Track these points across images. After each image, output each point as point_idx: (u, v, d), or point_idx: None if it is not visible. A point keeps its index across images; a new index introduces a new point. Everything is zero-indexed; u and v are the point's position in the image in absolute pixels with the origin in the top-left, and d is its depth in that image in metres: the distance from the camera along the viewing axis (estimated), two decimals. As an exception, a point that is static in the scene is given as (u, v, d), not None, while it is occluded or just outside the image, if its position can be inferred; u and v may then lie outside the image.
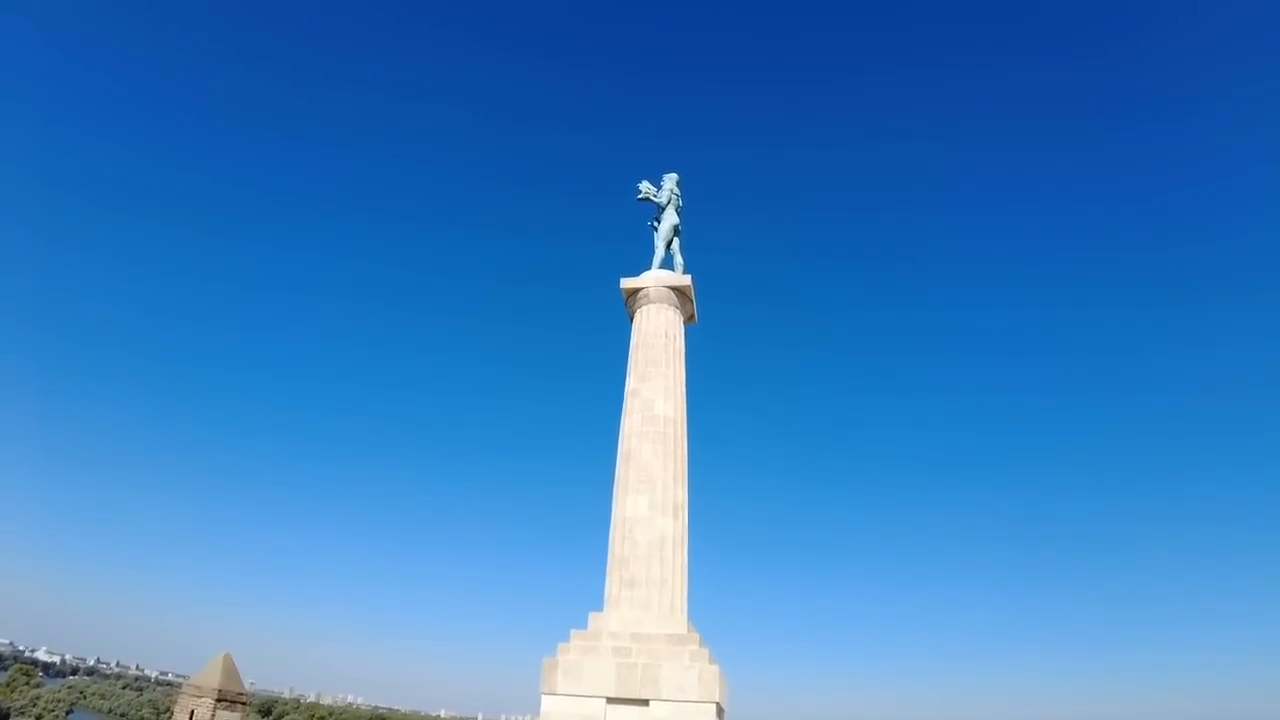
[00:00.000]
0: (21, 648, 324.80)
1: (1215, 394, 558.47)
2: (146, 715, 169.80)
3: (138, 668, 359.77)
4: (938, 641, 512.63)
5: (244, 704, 34.28)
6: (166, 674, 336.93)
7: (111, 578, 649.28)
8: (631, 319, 29.59)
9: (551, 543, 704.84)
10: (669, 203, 31.27)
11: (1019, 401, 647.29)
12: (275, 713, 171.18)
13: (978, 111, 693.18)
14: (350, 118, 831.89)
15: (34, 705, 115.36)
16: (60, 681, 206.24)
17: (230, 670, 33.94)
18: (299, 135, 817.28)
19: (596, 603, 25.06)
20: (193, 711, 32.25)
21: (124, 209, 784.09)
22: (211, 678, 33.06)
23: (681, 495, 25.86)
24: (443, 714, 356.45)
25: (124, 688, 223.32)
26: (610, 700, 22.06)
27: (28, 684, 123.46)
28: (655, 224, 31.16)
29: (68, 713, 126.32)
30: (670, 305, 28.94)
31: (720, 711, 22.57)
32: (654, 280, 29.15)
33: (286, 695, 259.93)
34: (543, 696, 22.50)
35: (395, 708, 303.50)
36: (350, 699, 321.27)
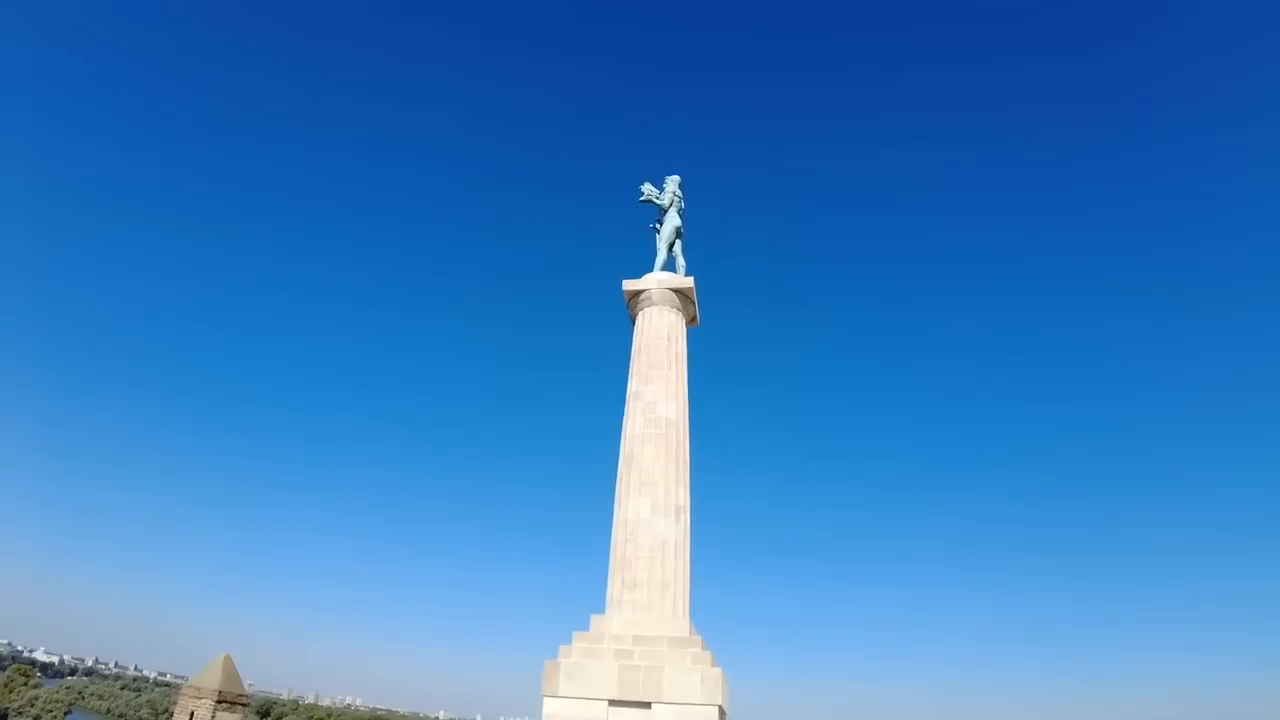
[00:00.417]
0: (19, 648, 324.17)
1: (1216, 397, 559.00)
2: (145, 716, 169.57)
3: (136, 668, 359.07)
4: (938, 643, 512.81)
5: (244, 705, 34.26)
6: (165, 675, 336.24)
7: (110, 578, 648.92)
8: (634, 321, 29.58)
9: (551, 544, 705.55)
10: (671, 205, 31.32)
11: (1019, 403, 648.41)
12: (274, 714, 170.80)
13: (979, 114, 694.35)
14: (351, 119, 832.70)
15: (32, 706, 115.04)
16: (58, 682, 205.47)
17: (230, 671, 33.92)
18: (300, 136, 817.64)
19: (598, 605, 25.04)
20: (192, 713, 32.21)
21: (123, 209, 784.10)
22: (211, 679, 33.04)
23: (683, 497, 25.84)
24: (441, 715, 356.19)
25: (122, 688, 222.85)
26: (612, 703, 22.01)
27: (25, 684, 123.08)
28: (657, 226, 31.19)
29: (66, 713, 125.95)
30: (672, 307, 28.93)
31: (722, 714, 22.52)
32: (656, 282, 29.16)
33: (285, 696, 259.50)
34: (544, 699, 22.44)
35: (394, 709, 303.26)
36: (349, 700, 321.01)
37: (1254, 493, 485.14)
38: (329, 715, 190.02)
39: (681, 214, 31.57)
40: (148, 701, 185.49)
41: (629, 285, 29.68)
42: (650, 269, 30.08)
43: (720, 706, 21.88)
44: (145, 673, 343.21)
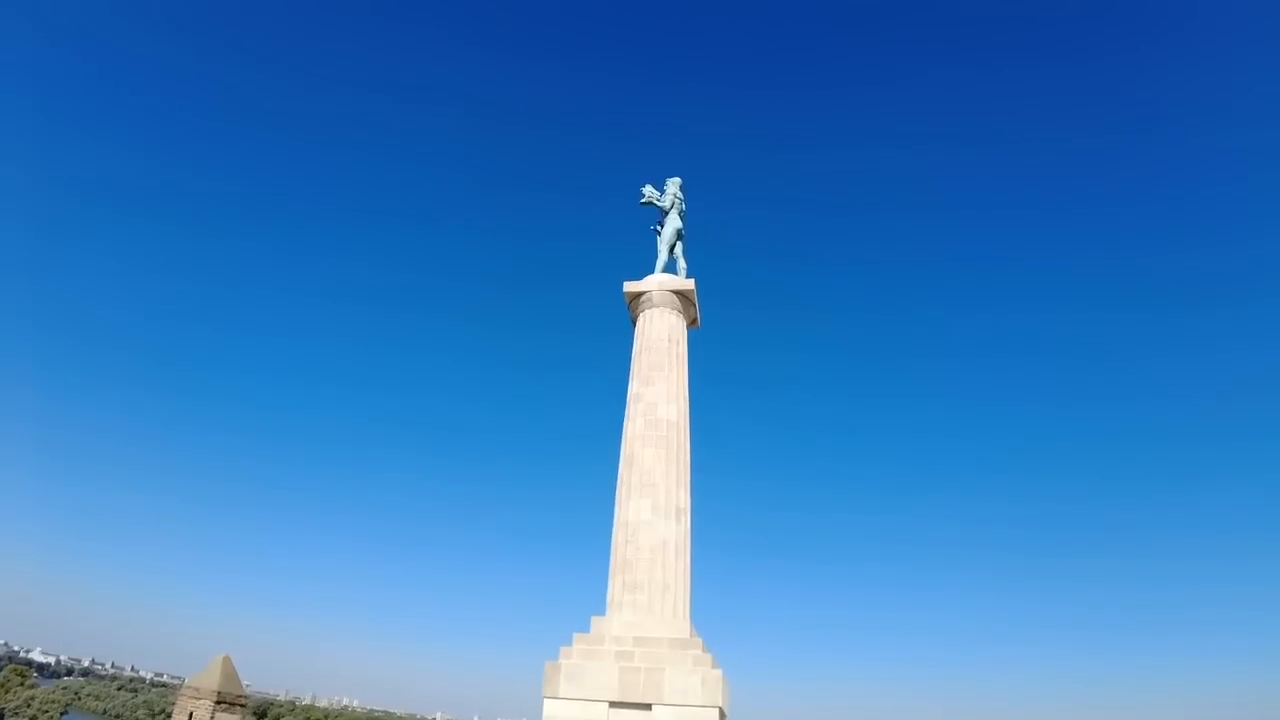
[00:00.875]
0: (16, 648, 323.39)
1: (1218, 400, 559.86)
2: (141, 716, 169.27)
3: (133, 669, 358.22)
4: (939, 645, 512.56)
5: (243, 706, 34.21)
6: (162, 675, 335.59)
7: (107, 578, 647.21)
8: (634, 322, 29.61)
9: (551, 546, 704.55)
10: (672, 207, 31.39)
11: (1020, 406, 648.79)
12: (270, 715, 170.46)
13: (979, 116, 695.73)
14: (351, 119, 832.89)
15: (28, 706, 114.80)
16: (55, 682, 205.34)
17: (229, 672, 33.88)
18: (300, 136, 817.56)
19: (598, 606, 25.06)
20: (191, 713, 32.16)
21: (123, 209, 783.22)
22: (210, 679, 33.00)
23: (684, 499, 25.86)
24: (439, 717, 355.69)
25: (119, 689, 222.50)
26: (613, 705, 22.02)
27: (22, 685, 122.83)
28: (658, 228, 31.26)
29: (62, 714, 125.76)
30: (673, 309, 28.98)
31: (723, 716, 22.53)
32: (657, 284, 29.21)
33: (282, 697, 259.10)
34: (545, 700, 22.45)
35: (391, 710, 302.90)
36: (346, 701, 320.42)
37: (1256, 495, 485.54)
38: (326, 716, 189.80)
39: (682, 216, 31.63)
40: (144, 702, 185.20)
41: (630, 287, 29.72)
42: (651, 271, 30.13)
43: (721, 708, 21.89)
44: (142, 673, 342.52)
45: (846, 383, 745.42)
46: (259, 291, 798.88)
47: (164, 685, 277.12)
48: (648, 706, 21.78)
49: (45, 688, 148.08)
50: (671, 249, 30.86)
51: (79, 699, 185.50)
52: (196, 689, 32.61)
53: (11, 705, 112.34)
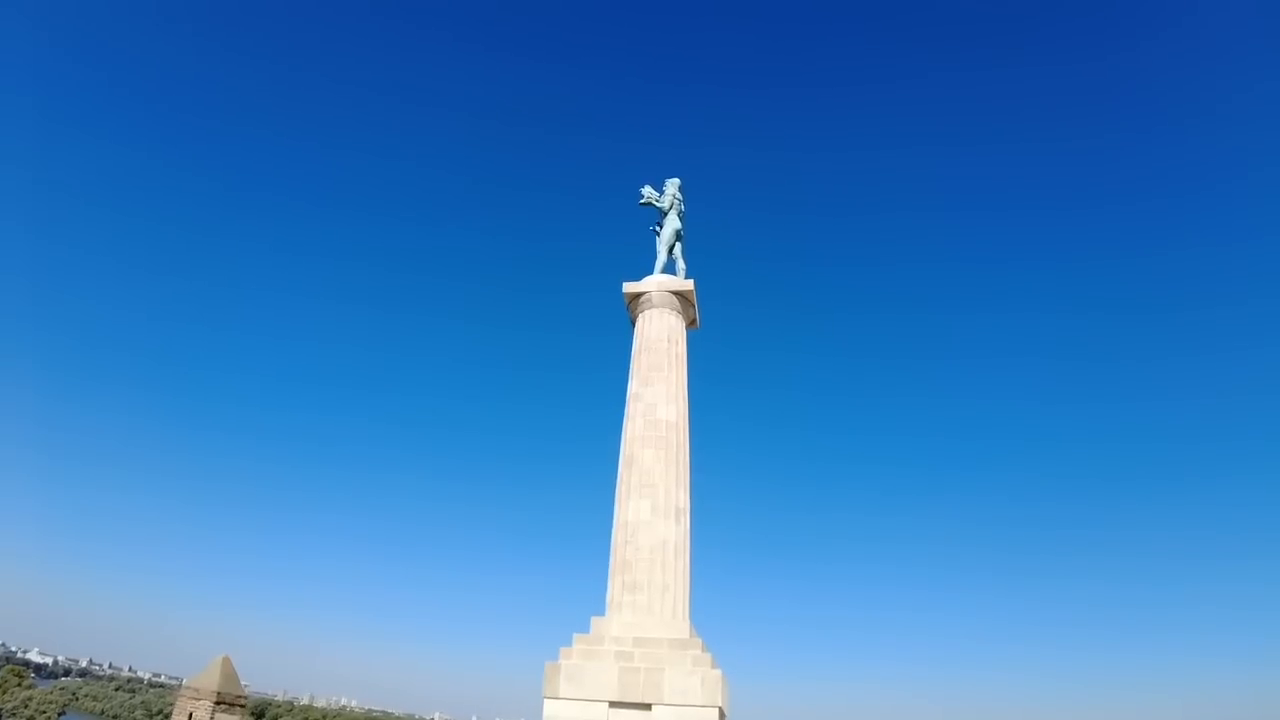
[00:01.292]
0: (13, 649, 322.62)
1: (1218, 400, 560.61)
2: (139, 717, 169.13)
3: (130, 669, 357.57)
4: (939, 645, 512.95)
5: (242, 706, 34.22)
6: (159, 675, 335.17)
7: (104, 579, 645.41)
8: (633, 323, 29.67)
9: (550, 547, 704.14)
10: (671, 207, 31.44)
11: (1020, 406, 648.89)
12: (268, 715, 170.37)
13: (979, 116, 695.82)
14: (351, 119, 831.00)
15: (25, 707, 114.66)
16: (52, 683, 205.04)
17: (229, 673, 33.89)
18: (300, 136, 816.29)
19: (597, 606, 25.11)
20: (191, 713, 32.18)
21: (123, 209, 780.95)
22: (210, 680, 33.01)
23: (683, 499, 25.92)
24: (437, 717, 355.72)
25: (117, 689, 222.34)
26: (613, 705, 22.09)
27: (19, 685, 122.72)
28: (657, 228, 31.31)
29: (60, 714, 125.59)
30: (672, 309, 29.04)
31: (723, 715, 22.60)
32: (656, 285, 29.26)
33: (280, 698, 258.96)
34: (545, 700, 22.51)
35: (389, 710, 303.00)
36: (344, 701, 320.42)
37: (1256, 495, 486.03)
38: (324, 716, 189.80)
39: (681, 216, 31.69)
40: (142, 703, 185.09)
41: (629, 287, 29.78)
42: (650, 271, 30.19)
43: (720, 708, 21.96)
44: (140, 674, 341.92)
45: (846, 383, 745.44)
46: (259, 291, 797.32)
47: (162, 686, 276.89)
48: (648, 707, 21.84)
49: (43, 688, 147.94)
50: (670, 249, 30.92)
51: (76, 699, 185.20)
52: (196, 689, 32.63)
53: (9, 706, 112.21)
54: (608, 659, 22.63)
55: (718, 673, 22.21)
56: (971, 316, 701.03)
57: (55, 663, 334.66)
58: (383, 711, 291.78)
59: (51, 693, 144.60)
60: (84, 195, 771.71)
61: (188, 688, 33.44)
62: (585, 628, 24.15)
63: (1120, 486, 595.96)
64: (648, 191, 31.65)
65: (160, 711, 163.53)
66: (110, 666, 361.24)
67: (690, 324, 30.26)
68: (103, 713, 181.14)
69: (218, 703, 32.05)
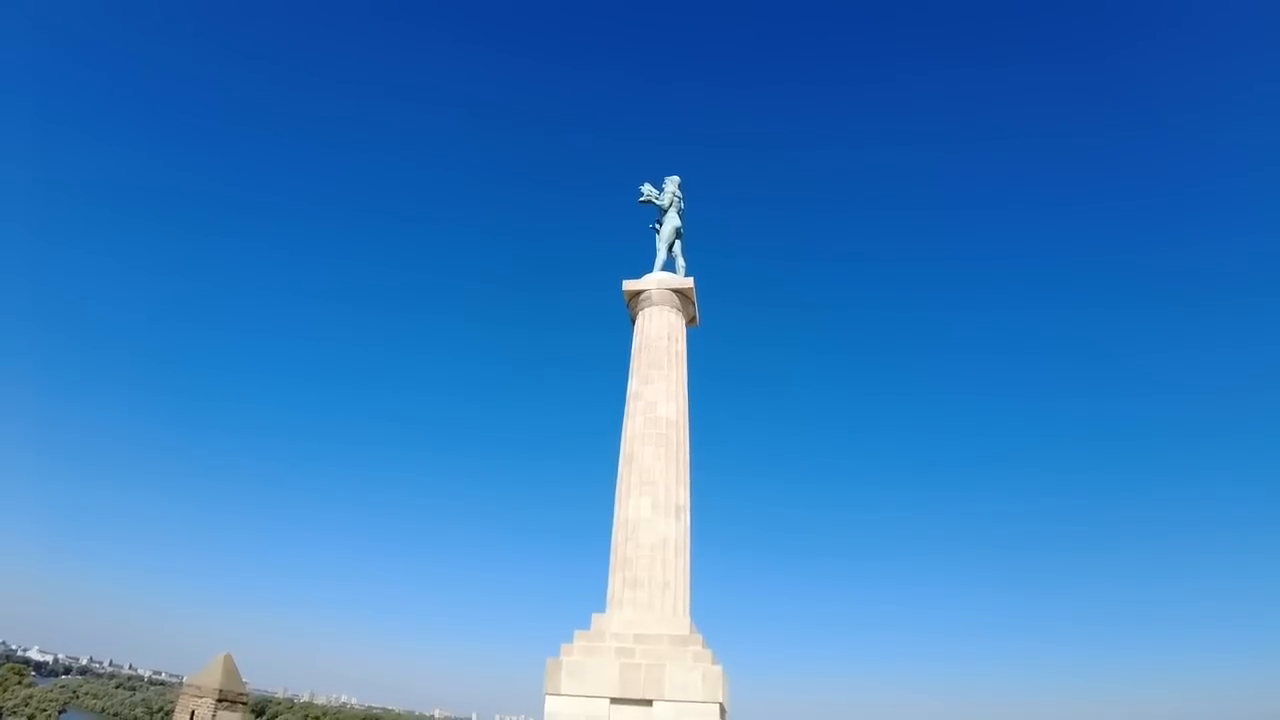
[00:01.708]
0: (14, 647, 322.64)
1: (1216, 396, 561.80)
2: (140, 715, 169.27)
3: (131, 667, 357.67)
4: (938, 641, 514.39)
5: (244, 704, 34.31)
6: (159, 673, 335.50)
7: (104, 577, 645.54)
8: (633, 321, 29.72)
9: (551, 544, 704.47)
10: (671, 205, 31.47)
11: (1018, 402, 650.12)
12: (269, 713, 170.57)
13: (978, 114, 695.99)
14: (351, 119, 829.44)
15: (26, 705, 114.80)
16: (52, 681, 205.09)
17: (231, 670, 33.98)
18: (300, 136, 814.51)
19: (599, 603, 25.22)
20: (193, 711, 32.28)
21: (123, 209, 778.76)
22: (212, 677, 33.10)
23: (684, 497, 26.01)
24: (437, 714, 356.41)
25: (117, 687, 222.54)
26: (614, 701, 22.20)
27: (19, 683, 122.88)
28: (657, 226, 31.34)
29: (60, 712, 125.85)
30: (672, 307, 29.09)
31: (723, 712, 22.73)
32: (656, 283, 29.31)
33: (280, 695, 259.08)
34: (547, 697, 22.62)
35: (389, 707, 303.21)
36: (344, 699, 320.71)
37: (1254, 491, 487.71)
38: (324, 714, 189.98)
39: (681, 214, 31.72)
40: (142, 700, 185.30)
41: (629, 285, 29.82)
42: (650, 269, 30.23)
43: (721, 704, 22.08)
44: (140, 672, 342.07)
45: (845, 380, 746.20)
46: (259, 291, 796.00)
47: (162, 683, 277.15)
48: (649, 702, 21.96)
49: (43, 686, 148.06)
50: (670, 247, 30.95)
51: (77, 697, 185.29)
52: (198, 687, 32.70)
53: (9, 704, 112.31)
54: (609, 655, 22.74)
55: (718, 669, 22.33)
56: (970, 313, 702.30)
57: (55, 661, 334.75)
58: (383, 708, 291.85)
59: (52, 691, 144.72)
60: (84, 195, 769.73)
61: (190, 685, 33.50)
62: (586, 624, 24.27)
63: (1119, 482, 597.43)
64: (647, 189, 31.67)
65: (160, 709, 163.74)
66: (110, 664, 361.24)
67: (690, 321, 30.32)
68: (103, 711, 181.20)
69: (220, 700, 32.13)
